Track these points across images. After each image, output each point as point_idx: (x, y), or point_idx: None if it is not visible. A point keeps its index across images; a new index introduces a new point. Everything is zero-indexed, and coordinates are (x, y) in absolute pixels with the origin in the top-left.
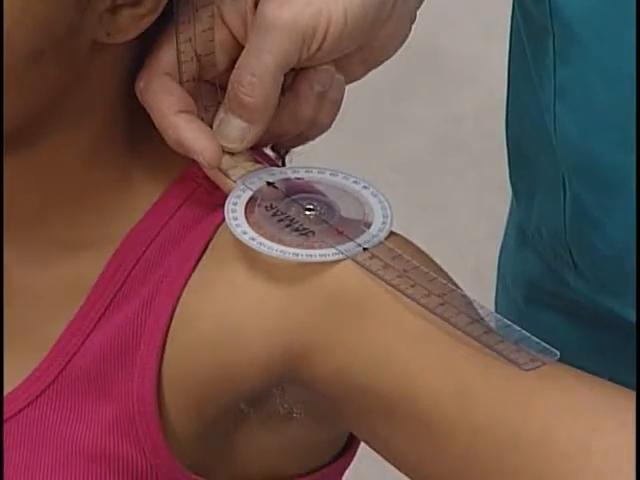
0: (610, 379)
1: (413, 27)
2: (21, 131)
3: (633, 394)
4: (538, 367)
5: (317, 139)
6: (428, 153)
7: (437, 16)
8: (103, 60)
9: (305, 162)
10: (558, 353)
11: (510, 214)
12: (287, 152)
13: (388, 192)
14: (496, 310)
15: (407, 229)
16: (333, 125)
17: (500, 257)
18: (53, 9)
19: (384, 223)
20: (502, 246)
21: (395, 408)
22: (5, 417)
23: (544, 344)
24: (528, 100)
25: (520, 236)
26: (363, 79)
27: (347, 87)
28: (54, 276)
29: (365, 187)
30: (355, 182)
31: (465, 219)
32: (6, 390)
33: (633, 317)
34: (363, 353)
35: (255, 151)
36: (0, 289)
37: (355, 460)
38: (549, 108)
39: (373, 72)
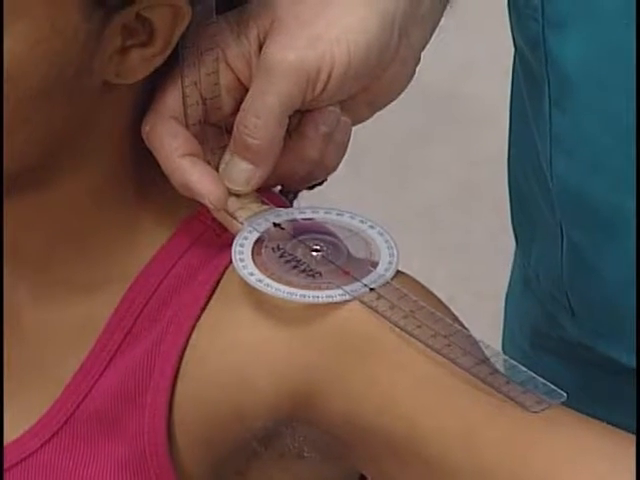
0: (610, 423)
1: (434, 71)
2: (30, 171)
3: (632, 438)
4: (545, 409)
5: (338, 183)
6: (449, 198)
7: (457, 61)
8: (112, 101)
9: (327, 205)
10: (565, 395)
11: (514, 259)
12: (295, 196)
13: (410, 237)
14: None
15: (429, 273)
16: (355, 172)
17: (505, 303)
18: (62, 48)
19: (390, 263)
20: (507, 291)
21: (402, 450)
22: (17, 460)
23: (551, 385)
24: (527, 145)
25: (523, 282)
26: (384, 126)
27: (369, 132)
28: (65, 316)
29: (371, 227)
30: (362, 222)
31: (486, 263)
32: (18, 432)
33: (629, 362)
34: (369, 394)
35: (262, 192)
36: (0, 321)
37: None
38: (545, 153)
39: (395, 118)
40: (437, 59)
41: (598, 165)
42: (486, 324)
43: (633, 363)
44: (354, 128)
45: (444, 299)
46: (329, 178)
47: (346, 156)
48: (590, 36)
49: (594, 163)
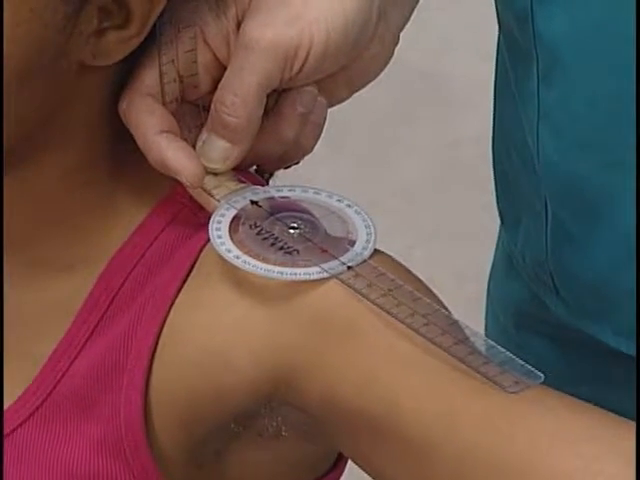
0: (595, 404)
1: (414, 51)
2: (8, 152)
3: (617, 419)
4: (522, 390)
5: (318, 163)
6: (429, 177)
7: (438, 41)
8: (88, 82)
9: (309, 185)
10: (542, 376)
11: (499, 240)
12: (271, 176)
13: (389, 216)
14: (486, 336)
15: (408, 253)
16: (335, 150)
17: (489, 283)
18: (40, 31)
19: (367, 241)
20: (491, 272)
21: (381, 430)
22: None
23: (529, 367)
24: (512, 124)
25: (507, 262)
26: (365, 104)
27: (349, 112)
28: (41, 297)
29: (349, 205)
30: (339, 200)
31: (466, 244)
32: None
33: (615, 343)
34: (348, 375)
35: (239, 171)
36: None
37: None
38: (532, 132)
39: (375, 97)
40: (418, 38)
41: (585, 143)
42: (467, 306)
43: (619, 344)
44: (334, 108)
45: (424, 280)
46: (309, 157)
47: (326, 135)
48: (577, 12)
49: (581, 141)
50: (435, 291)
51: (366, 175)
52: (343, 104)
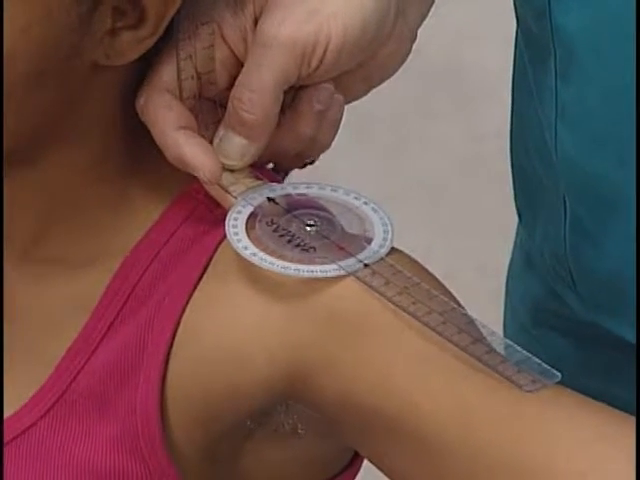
0: (611, 399)
1: (435, 45)
2: (21, 149)
3: (631, 419)
4: (539, 389)
5: (339, 156)
6: (450, 171)
7: (460, 33)
8: (103, 81)
9: (329, 179)
10: (559, 375)
11: (517, 236)
12: (286, 175)
13: (410, 211)
14: (504, 332)
15: (429, 247)
16: (355, 143)
17: (507, 279)
18: (53, 31)
19: (385, 239)
20: (509, 268)
21: (395, 427)
22: (10, 437)
23: (545, 365)
24: (530, 120)
25: (526, 258)
26: (386, 98)
27: (370, 105)
28: (56, 294)
29: (365, 203)
30: (356, 198)
31: (487, 238)
32: (10, 410)
33: (630, 337)
34: (364, 373)
35: (256, 168)
36: (0, 305)
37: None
38: (550, 127)
39: (397, 90)
40: (439, 31)
41: (601, 139)
42: (487, 300)
43: (635, 338)
44: (355, 102)
45: (444, 274)
46: (330, 150)
47: (347, 129)
48: (595, 7)
49: (597, 137)
50: (456, 285)
51: (387, 169)
52: (365, 98)
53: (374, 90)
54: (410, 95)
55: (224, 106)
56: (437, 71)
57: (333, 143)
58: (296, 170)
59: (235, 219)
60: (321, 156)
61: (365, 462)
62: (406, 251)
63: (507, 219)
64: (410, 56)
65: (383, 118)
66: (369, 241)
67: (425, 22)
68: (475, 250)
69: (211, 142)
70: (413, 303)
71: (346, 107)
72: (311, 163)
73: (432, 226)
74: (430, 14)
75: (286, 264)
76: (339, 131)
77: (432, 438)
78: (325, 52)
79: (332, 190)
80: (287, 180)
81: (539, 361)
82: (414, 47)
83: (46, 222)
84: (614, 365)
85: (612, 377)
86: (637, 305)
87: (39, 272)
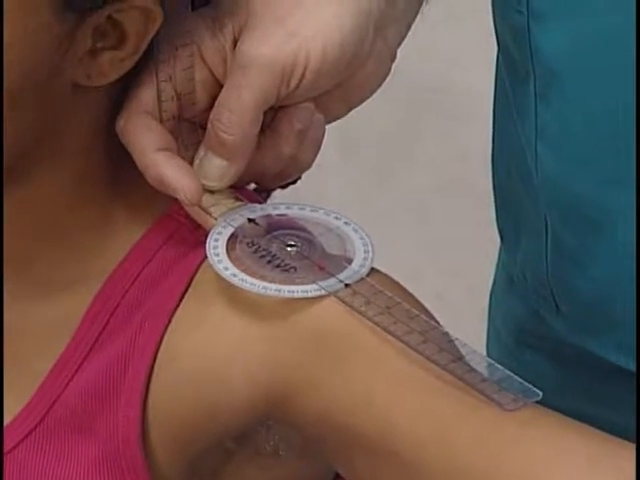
0: (592, 419)
1: (421, 66)
2: (2, 169)
3: (612, 440)
4: (520, 407)
5: (326, 177)
6: (437, 191)
7: (447, 56)
8: (84, 101)
9: (316, 199)
10: (540, 393)
11: (499, 257)
12: (269, 195)
13: (398, 231)
14: (487, 352)
15: (417, 267)
16: (342, 163)
17: (490, 300)
18: (34, 50)
19: (365, 259)
20: (491, 289)
21: (376, 448)
22: None
23: (526, 384)
24: (511, 140)
25: (508, 279)
26: (372, 118)
27: (356, 125)
28: (39, 314)
29: (346, 223)
30: (336, 218)
31: (475, 257)
32: None
33: (615, 359)
34: (344, 393)
35: (237, 188)
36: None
37: None
38: (531, 147)
39: (385, 111)
40: (425, 52)
41: (584, 159)
42: (477, 320)
43: (619, 360)
44: (342, 122)
45: (433, 294)
46: (318, 170)
47: (335, 150)
48: (574, 28)
49: (579, 158)
50: (445, 305)
51: (374, 189)
52: (352, 118)
53: (361, 111)
54: (397, 116)
55: (204, 127)
56: (424, 93)
57: (321, 163)
58: (281, 190)
59: (216, 240)
60: (309, 176)
61: None
62: (394, 271)
63: (495, 239)
64: (397, 77)
65: (371, 139)
66: (349, 261)
67: (412, 45)
68: (464, 270)
69: (191, 163)
70: (394, 323)
71: (334, 128)
72: (293, 183)
73: (420, 246)
74: (417, 37)
75: (267, 284)
76: (327, 151)
77: (411, 457)
78: (304, 72)
79: (312, 210)
80: (272, 200)
81: (520, 380)
82: (402, 69)
83: (31, 243)
84: (595, 385)
85: (593, 397)
86: (637, 333)
87: (23, 293)
